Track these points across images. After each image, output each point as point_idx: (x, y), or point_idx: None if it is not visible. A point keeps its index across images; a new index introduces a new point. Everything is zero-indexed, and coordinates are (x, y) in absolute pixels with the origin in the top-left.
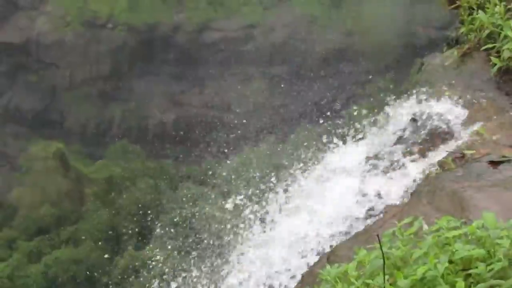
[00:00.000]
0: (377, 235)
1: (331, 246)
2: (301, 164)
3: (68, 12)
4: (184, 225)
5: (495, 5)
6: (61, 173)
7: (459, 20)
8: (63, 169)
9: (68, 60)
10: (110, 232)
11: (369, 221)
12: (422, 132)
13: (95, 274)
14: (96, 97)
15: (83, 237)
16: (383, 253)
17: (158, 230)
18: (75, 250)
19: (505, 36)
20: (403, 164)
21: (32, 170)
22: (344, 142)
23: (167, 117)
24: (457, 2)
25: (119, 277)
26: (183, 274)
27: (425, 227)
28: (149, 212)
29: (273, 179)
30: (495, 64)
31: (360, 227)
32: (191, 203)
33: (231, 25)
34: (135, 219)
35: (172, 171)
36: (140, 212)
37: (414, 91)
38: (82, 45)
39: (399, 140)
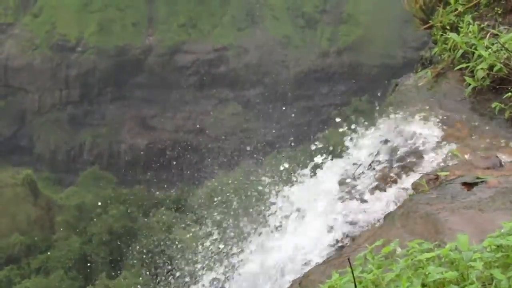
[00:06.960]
0: (348, 259)
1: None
2: (277, 188)
3: (36, 35)
4: (157, 252)
5: (468, 24)
6: (30, 200)
7: (433, 40)
8: (33, 196)
9: (37, 84)
10: (82, 261)
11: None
12: (396, 154)
13: None
14: (66, 122)
15: (54, 266)
16: (354, 277)
17: (130, 257)
18: (46, 280)
19: (479, 56)
20: (377, 188)
21: (1, 198)
22: (316, 167)
23: (138, 142)
24: (430, 22)
25: None
26: None
27: (399, 250)
28: (121, 239)
29: (249, 205)
30: (469, 84)
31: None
32: (164, 230)
33: (204, 47)
34: (107, 246)
35: (144, 197)
36: (112, 239)
37: (388, 113)
38: (51, 69)
39: (373, 163)
